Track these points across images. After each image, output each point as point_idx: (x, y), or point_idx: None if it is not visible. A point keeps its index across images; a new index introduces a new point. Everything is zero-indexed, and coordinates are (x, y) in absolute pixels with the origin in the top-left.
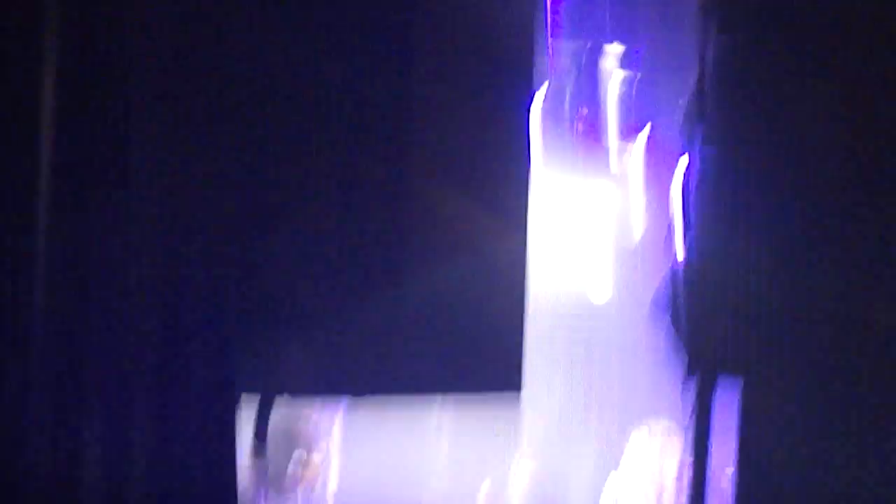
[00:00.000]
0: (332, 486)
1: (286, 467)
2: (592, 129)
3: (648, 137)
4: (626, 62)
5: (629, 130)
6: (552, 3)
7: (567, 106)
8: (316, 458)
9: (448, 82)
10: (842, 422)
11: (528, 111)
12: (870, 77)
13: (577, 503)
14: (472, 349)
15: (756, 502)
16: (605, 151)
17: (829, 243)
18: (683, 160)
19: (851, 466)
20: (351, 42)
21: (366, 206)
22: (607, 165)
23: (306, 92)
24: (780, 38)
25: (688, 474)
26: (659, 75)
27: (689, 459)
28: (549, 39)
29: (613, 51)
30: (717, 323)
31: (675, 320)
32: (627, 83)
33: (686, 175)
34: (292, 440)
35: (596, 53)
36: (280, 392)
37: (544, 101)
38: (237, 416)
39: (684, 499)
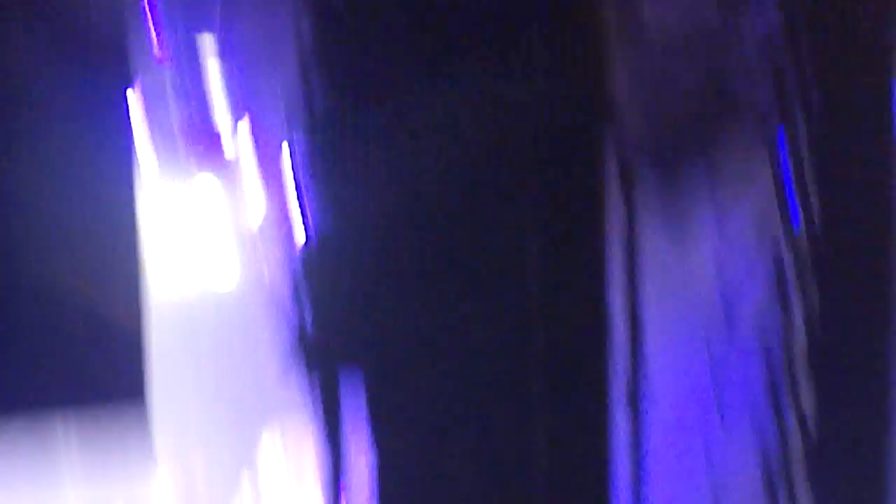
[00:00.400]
0: None
1: None
2: (199, 118)
3: (252, 124)
4: (225, 49)
5: (235, 118)
6: None
7: (171, 95)
8: None
9: (41, 75)
10: (464, 409)
11: (127, 102)
12: (480, 72)
13: None
14: (91, 359)
15: (394, 490)
16: (215, 139)
17: (438, 234)
18: (286, 147)
19: (479, 452)
20: None
21: None
22: (219, 153)
23: None
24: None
25: (324, 468)
26: (258, 61)
27: (324, 452)
28: (150, 27)
29: (212, 39)
30: (336, 311)
31: (297, 309)
32: (228, 70)
33: (293, 161)
34: None
35: (196, 41)
36: None
37: (146, 91)
38: None
39: (323, 493)
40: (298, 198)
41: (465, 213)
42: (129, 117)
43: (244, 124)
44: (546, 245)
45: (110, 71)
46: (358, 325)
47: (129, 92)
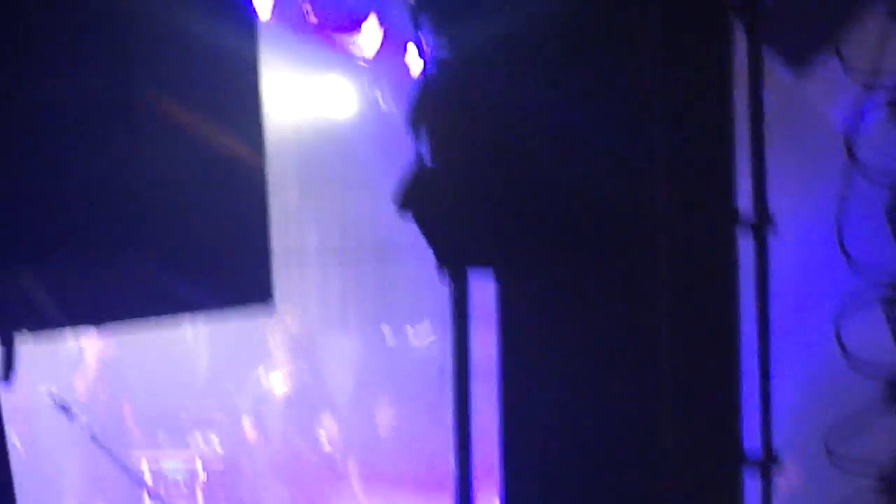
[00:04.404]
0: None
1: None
2: (326, 27)
3: (384, 31)
4: None
5: (358, 25)
6: None
7: (298, 4)
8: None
9: None
10: (595, 302)
11: (251, 7)
12: None
13: (336, 408)
14: (218, 263)
15: (519, 387)
16: (342, 47)
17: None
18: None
19: (604, 346)
20: None
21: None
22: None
23: None
24: None
25: (451, 366)
26: None
27: (453, 351)
28: None
29: None
30: (463, 217)
31: (423, 220)
32: None
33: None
34: None
35: None
36: (19, 328)
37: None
38: None
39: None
40: (415, 28)
41: (580, 54)
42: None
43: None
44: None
45: None
46: (474, 161)
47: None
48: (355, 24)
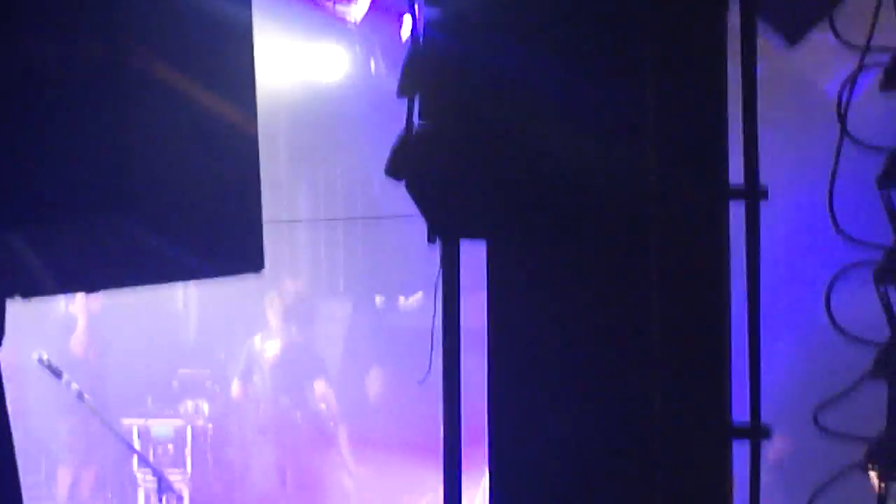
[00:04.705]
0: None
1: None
2: None
3: None
4: None
5: None
6: None
7: None
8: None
9: None
10: (586, 275)
11: None
12: None
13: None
14: (210, 230)
15: (507, 353)
16: (331, 9)
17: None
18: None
19: (595, 319)
20: None
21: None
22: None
23: None
24: None
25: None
26: None
27: (442, 312)
28: None
29: None
30: (454, 185)
31: (412, 184)
32: None
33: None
34: None
35: None
36: (11, 293)
37: None
38: None
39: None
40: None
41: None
42: None
43: None
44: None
45: None
46: (466, 129)
47: None
48: None
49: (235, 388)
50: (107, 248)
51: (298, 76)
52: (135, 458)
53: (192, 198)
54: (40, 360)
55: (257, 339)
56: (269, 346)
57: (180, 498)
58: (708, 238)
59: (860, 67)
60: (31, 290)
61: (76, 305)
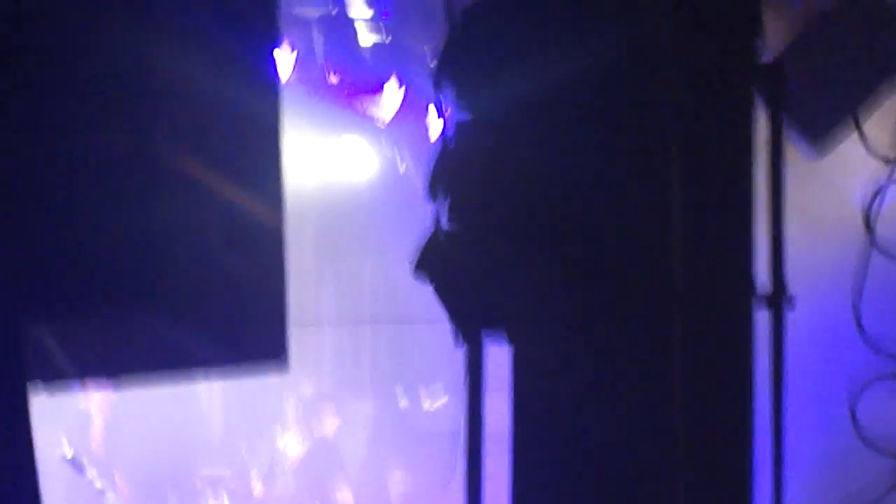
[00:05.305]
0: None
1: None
2: (346, 89)
3: (403, 94)
4: (374, 26)
5: (378, 88)
6: None
7: (319, 66)
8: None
9: (188, 34)
10: (605, 363)
11: (274, 70)
12: None
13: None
14: (235, 322)
15: (532, 451)
16: (361, 109)
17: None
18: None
19: (617, 406)
20: None
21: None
22: (366, 121)
23: None
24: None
25: (464, 430)
26: (407, 38)
27: (466, 415)
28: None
29: (362, 14)
30: (477, 282)
31: (439, 284)
32: (376, 44)
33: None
34: None
35: (344, 16)
36: (31, 380)
37: (295, 63)
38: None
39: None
40: (435, 91)
41: (601, 118)
42: (275, 75)
43: (393, 91)
44: None
45: (257, 29)
46: (491, 224)
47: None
48: (376, 86)
49: (258, 488)
50: (129, 336)
51: (327, 173)
52: None
53: (218, 289)
54: (63, 458)
55: (280, 437)
56: (291, 446)
57: None
58: (734, 337)
59: (889, 179)
60: (52, 376)
61: (93, 403)
